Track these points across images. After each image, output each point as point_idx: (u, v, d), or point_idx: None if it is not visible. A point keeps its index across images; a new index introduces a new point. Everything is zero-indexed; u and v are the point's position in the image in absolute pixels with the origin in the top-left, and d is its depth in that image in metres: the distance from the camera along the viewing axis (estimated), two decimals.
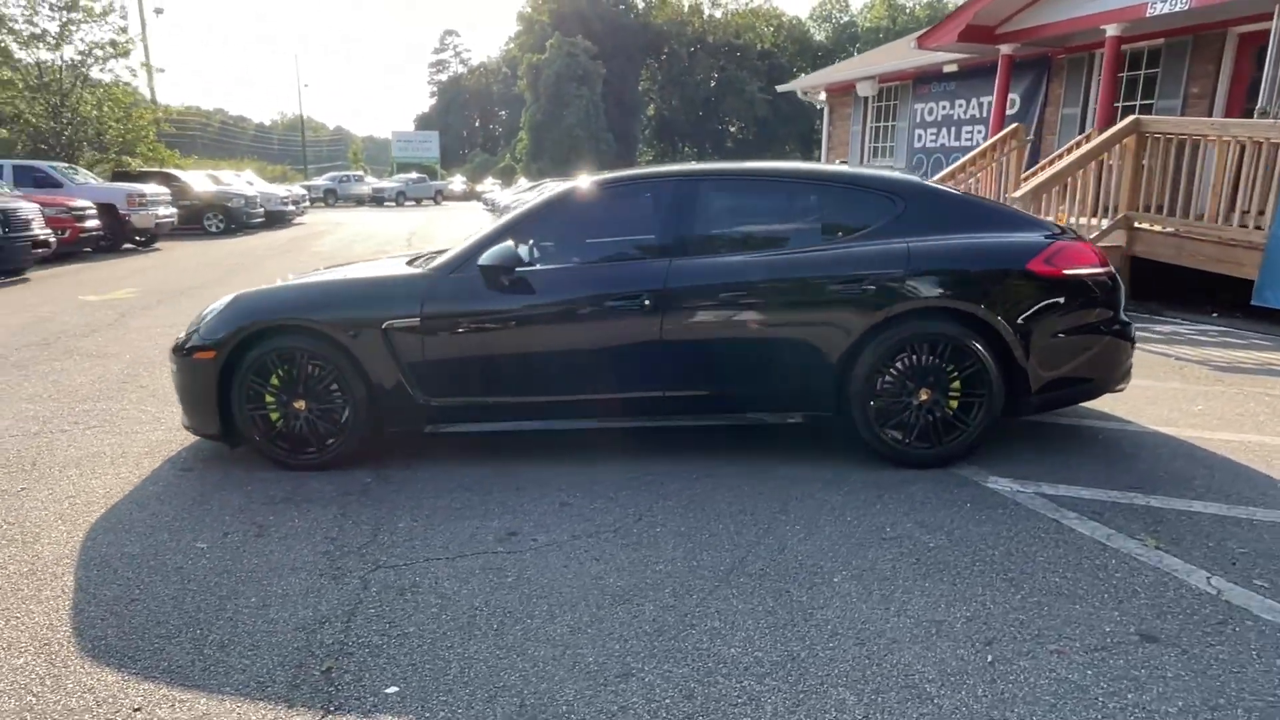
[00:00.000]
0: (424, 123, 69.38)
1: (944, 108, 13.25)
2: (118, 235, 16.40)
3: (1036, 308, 3.73)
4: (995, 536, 3.14)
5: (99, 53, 19.72)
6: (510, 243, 3.86)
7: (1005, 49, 10.68)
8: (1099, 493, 3.53)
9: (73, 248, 14.79)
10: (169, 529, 3.40)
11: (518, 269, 3.87)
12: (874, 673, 2.31)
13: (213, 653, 2.51)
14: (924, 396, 3.78)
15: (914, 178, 4.13)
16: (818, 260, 3.81)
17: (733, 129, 68.00)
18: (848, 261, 3.78)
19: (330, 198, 40.30)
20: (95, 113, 19.99)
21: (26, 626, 2.66)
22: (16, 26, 18.62)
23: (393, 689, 2.32)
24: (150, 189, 17.65)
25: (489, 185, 45.85)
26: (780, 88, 18.23)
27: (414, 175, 43.31)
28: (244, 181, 25.66)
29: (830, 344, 3.75)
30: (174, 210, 18.42)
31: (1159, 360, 5.89)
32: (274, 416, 4.01)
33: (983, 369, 3.72)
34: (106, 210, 16.07)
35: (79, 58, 19.29)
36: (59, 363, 6.52)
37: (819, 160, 16.91)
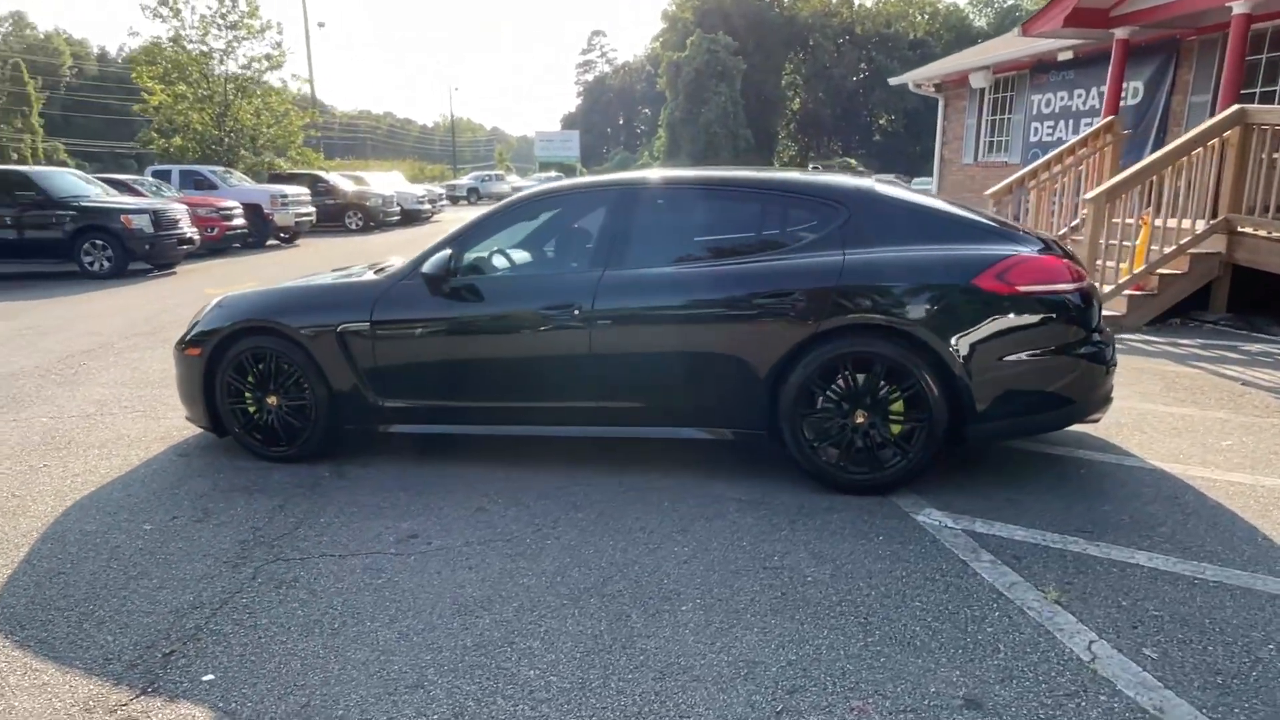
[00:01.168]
0: (569, 122, 71.50)
1: (1062, 99, 12.19)
2: (262, 232, 18.00)
3: (983, 327, 3.42)
4: (885, 575, 2.92)
5: (257, 65, 21.85)
6: (448, 251, 3.96)
7: (1120, 33, 9.69)
8: (1036, 534, 3.20)
9: (221, 244, 16.39)
10: (130, 509, 3.75)
11: (464, 277, 3.98)
12: (651, 711, 2.23)
13: (89, 628, 2.76)
14: (860, 419, 3.55)
15: (865, 183, 3.87)
16: (748, 273, 3.67)
17: (881, 121, 65.54)
18: (778, 275, 3.62)
19: (473, 196, 42.32)
20: (252, 120, 22.14)
21: None
22: (190, 46, 20.92)
23: (210, 676, 2.47)
24: (291, 190, 19.25)
25: None
26: (892, 81, 17.37)
27: (551, 174, 44.73)
28: (385, 182, 27.50)
29: (760, 360, 3.60)
30: (313, 209, 20.02)
31: (1221, 384, 5.21)
32: (251, 410, 4.32)
33: (921, 392, 3.45)
34: (253, 210, 17.71)
35: (239, 70, 21.47)
36: (150, 350, 7.28)
37: (933, 156, 16.01)
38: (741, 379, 3.65)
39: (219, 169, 19.27)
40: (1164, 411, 4.71)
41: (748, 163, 51.16)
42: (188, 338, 4.39)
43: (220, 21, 20.94)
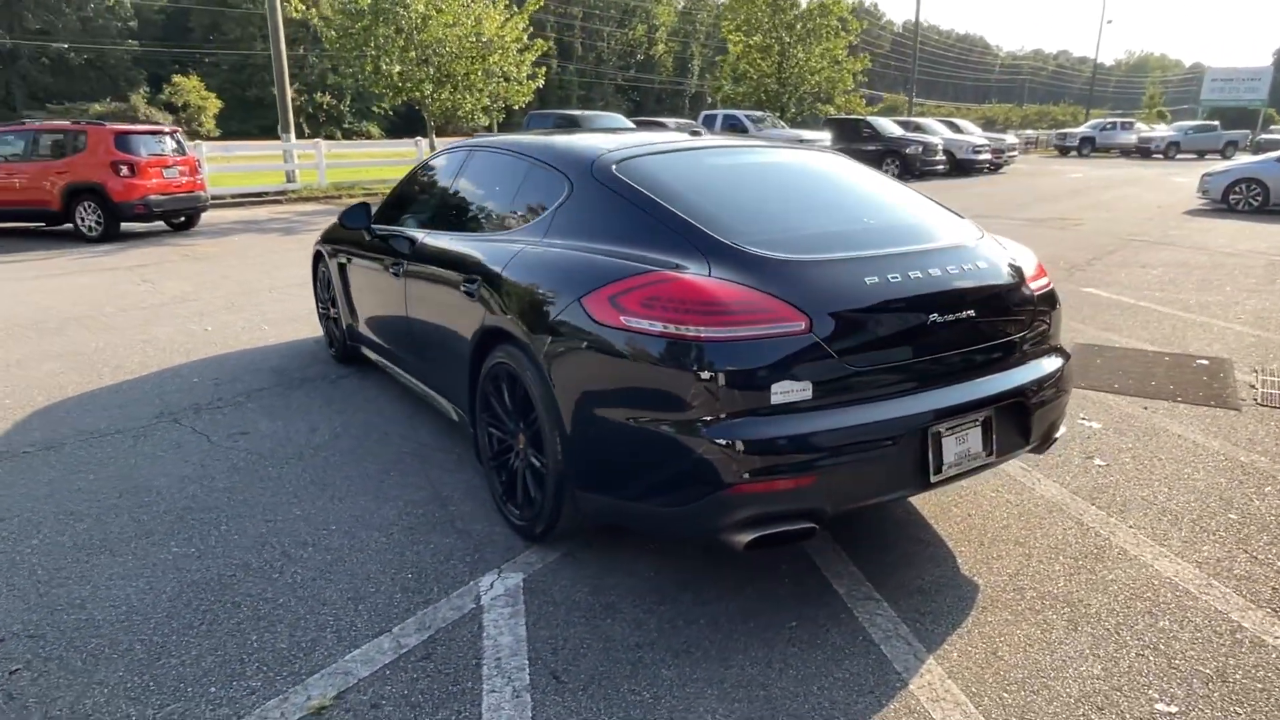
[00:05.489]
0: None
1: None
2: None
3: (584, 361, 2.47)
4: (280, 615, 2.57)
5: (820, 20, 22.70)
6: (365, 202, 4.35)
7: None
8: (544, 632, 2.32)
9: None
10: (222, 368, 5.25)
11: (379, 226, 4.35)
12: None
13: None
14: (520, 443, 2.93)
15: (606, 156, 2.85)
16: (462, 250, 3.26)
17: None
18: (474, 256, 3.14)
19: (1085, 147, 36.83)
20: (815, 64, 23.22)
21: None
22: None
23: None
24: (810, 135, 20.06)
25: None
26: None
27: (1195, 123, 35.75)
28: (945, 129, 26.19)
29: (460, 347, 3.23)
30: None
31: None
32: (327, 314, 5.48)
33: (540, 426, 2.69)
34: None
35: (797, 18, 22.61)
36: None
37: None
38: (455, 362, 3.32)
39: (756, 114, 21.09)
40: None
41: None
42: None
43: None
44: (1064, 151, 37.74)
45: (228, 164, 17.39)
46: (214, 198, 14.88)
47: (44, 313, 6.85)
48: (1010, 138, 28.95)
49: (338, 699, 2.14)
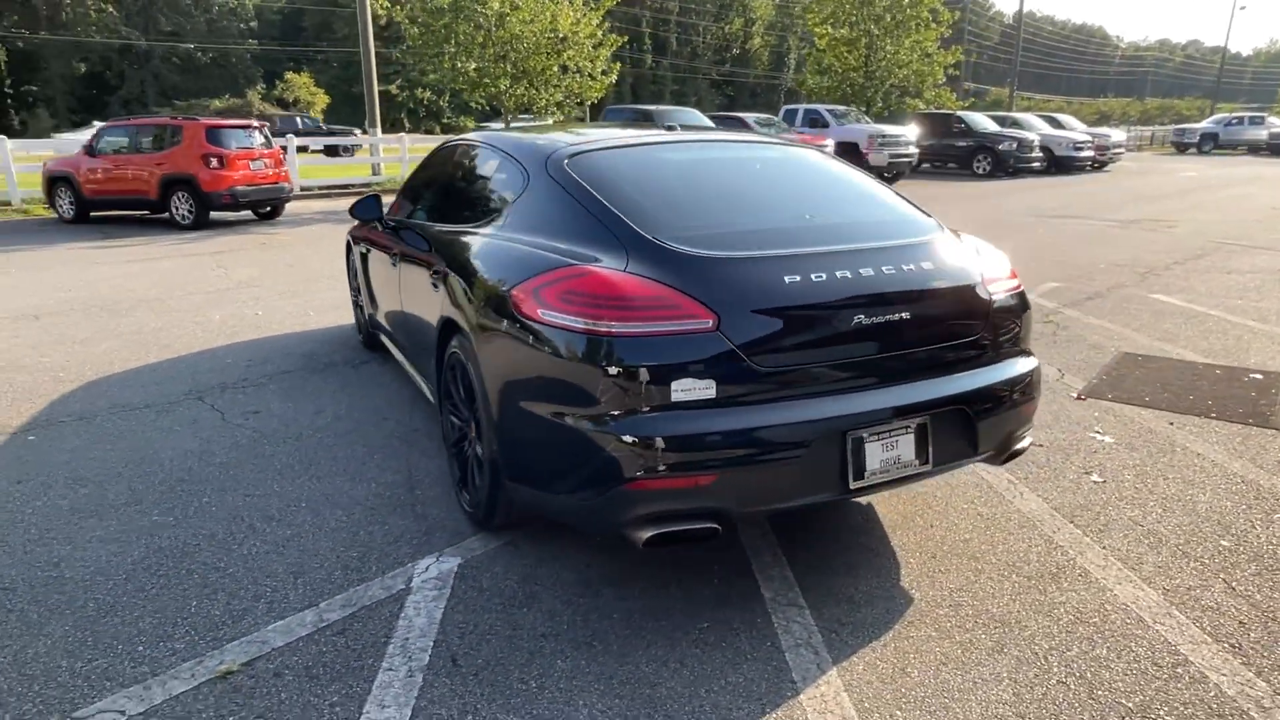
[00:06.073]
0: None
1: None
2: None
3: (510, 353, 2.50)
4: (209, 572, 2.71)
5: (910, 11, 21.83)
6: (377, 194, 4.50)
7: None
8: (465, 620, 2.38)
9: None
10: (254, 353, 5.56)
11: (391, 216, 4.50)
12: None
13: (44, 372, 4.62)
14: (474, 432, 2.99)
15: (564, 150, 2.86)
16: (439, 242, 3.33)
17: None
18: (445, 248, 3.21)
19: (1207, 144, 34.33)
20: (906, 57, 22.42)
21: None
22: None
23: (32, 437, 4.02)
24: (892, 130, 19.44)
25: None
26: None
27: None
28: (1044, 124, 24.94)
29: (431, 336, 3.32)
30: (913, 151, 19.86)
31: None
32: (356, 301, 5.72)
33: (480, 416, 2.74)
34: (850, 148, 18.67)
35: (883, 11, 21.81)
36: None
37: None
38: (429, 350, 3.41)
39: (840, 108, 20.59)
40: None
41: None
42: None
43: None
44: (1182, 149, 35.33)
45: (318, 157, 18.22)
46: (303, 188, 15.66)
47: (123, 294, 7.38)
48: (1117, 134, 27.29)
49: (246, 665, 2.25)
